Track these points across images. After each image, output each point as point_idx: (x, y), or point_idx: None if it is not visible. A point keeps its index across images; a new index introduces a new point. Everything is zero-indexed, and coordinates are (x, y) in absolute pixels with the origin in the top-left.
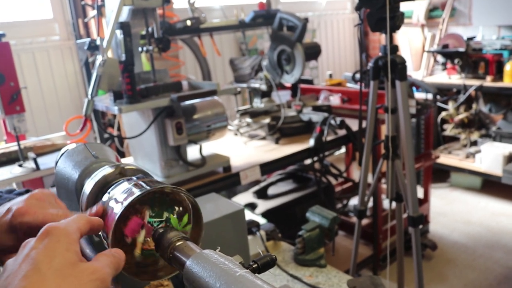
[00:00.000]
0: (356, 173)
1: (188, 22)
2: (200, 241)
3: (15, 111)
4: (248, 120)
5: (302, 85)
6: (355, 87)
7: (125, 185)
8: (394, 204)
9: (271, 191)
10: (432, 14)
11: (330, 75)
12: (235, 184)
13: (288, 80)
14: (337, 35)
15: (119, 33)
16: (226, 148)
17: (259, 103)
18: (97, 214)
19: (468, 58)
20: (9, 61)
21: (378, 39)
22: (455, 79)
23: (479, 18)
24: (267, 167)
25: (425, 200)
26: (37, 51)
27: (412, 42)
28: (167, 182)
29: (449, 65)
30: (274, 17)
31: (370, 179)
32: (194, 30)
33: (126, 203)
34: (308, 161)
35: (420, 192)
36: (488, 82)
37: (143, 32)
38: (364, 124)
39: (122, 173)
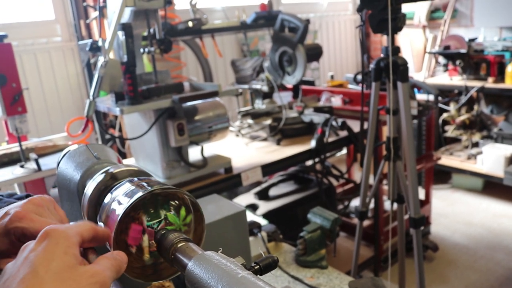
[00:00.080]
0: (357, 175)
1: (190, 24)
2: (202, 242)
3: (17, 112)
4: (250, 121)
5: (304, 86)
6: (357, 88)
7: (127, 186)
8: (395, 205)
9: (272, 192)
10: (433, 15)
11: (332, 76)
12: (237, 185)
13: (290, 81)
14: (339, 36)
15: (121, 34)
16: (228, 149)
17: (260, 104)
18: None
19: (470, 60)
20: (11, 62)
21: (380, 40)
22: (457, 80)
23: (481, 19)
24: (268, 168)
25: (426, 201)
26: (39, 52)
27: (413, 43)
28: (168, 183)
29: (450, 67)
30: (275, 19)
31: (371, 180)
32: (195, 31)
33: (128, 203)
34: (309, 162)
35: (421, 194)
36: (490, 83)
37: (145, 33)
38: (365, 126)
39: (128, 174)
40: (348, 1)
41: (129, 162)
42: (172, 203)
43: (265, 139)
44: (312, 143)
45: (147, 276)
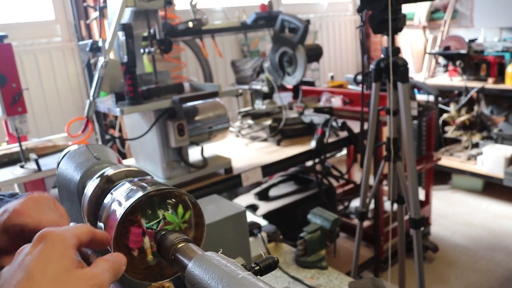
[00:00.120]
0: (357, 175)
1: (190, 24)
2: (203, 243)
3: (17, 112)
4: (250, 121)
5: (304, 87)
6: (357, 89)
7: (127, 186)
8: (395, 206)
9: (272, 192)
10: (433, 16)
11: (332, 77)
12: (237, 185)
13: (290, 81)
14: (339, 37)
15: (121, 35)
16: (228, 149)
17: (260, 105)
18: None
19: (470, 60)
20: (11, 63)
21: (380, 41)
22: (457, 81)
23: (481, 20)
24: (268, 169)
25: (426, 202)
26: (39, 53)
27: (413, 44)
28: (169, 184)
29: (450, 67)
30: (276, 19)
31: (371, 181)
32: (196, 31)
33: (124, 208)
34: (309, 163)
35: (421, 194)
36: (490, 84)
37: (145, 34)
38: (365, 126)
39: (125, 175)
40: (348, 2)
41: (129, 162)
42: (169, 201)
43: (265, 140)
44: (312, 144)
45: (154, 276)
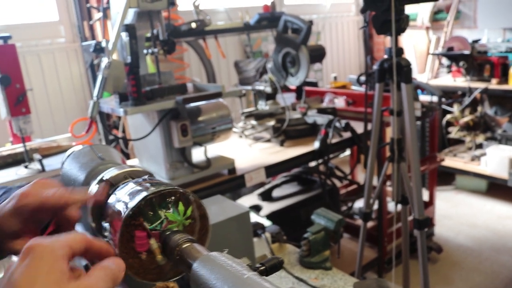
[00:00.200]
0: (360, 176)
1: (193, 25)
2: (207, 243)
3: (21, 113)
4: (253, 122)
5: (307, 88)
6: (360, 89)
7: (131, 186)
8: (399, 206)
9: (275, 193)
10: (437, 16)
11: (335, 78)
12: (240, 186)
13: (293, 82)
14: (342, 37)
15: (124, 36)
16: (231, 150)
17: (263, 106)
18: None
19: (473, 61)
20: (15, 63)
21: (383, 41)
22: (460, 81)
23: (484, 20)
24: (272, 169)
25: (430, 203)
26: (43, 53)
27: (417, 44)
28: (172, 184)
29: (454, 68)
30: (278, 20)
31: (375, 181)
32: (199, 32)
33: (133, 203)
34: (313, 164)
35: (425, 195)
36: (494, 84)
37: (148, 35)
38: (369, 127)
39: (129, 175)
40: (351, 3)
41: (133, 162)
42: (169, 199)
43: (268, 140)
44: (316, 144)
45: (165, 274)
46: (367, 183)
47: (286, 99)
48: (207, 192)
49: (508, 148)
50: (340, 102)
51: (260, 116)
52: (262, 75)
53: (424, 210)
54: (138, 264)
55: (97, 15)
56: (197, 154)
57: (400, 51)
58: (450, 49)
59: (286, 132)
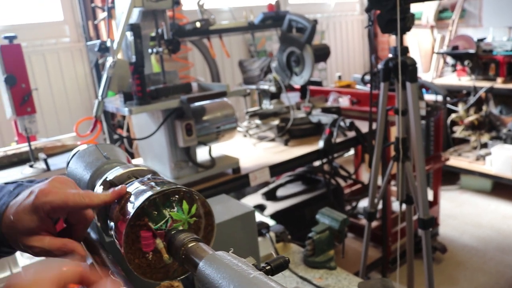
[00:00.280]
0: (365, 175)
1: (198, 24)
2: (213, 240)
3: (26, 112)
4: (257, 121)
5: (311, 87)
6: (364, 88)
7: (135, 186)
8: (404, 206)
9: (280, 192)
10: (441, 15)
11: (339, 77)
12: (244, 185)
13: (297, 81)
14: (346, 36)
15: (129, 35)
16: (236, 149)
17: (268, 105)
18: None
19: (478, 60)
20: (21, 63)
21: (387, 40)
22: (465, 80)
23: (489, 19)
24: (276, 169)
25: (434, 202)
26: (48, 53)
27: (421, 43)
28: (177, 183)
29: (459, 67)
30: (283, 19)
31: (379, 181)
32: (203, 31)
33: (137, 204)
34: (317, 163)
35: (429, 195)
36: (499, 83)
37: (153, 34)
38: (374, 126)
39: (134, 174)
40: (355, 2)
41: (138, 162)
42: (172, 198)
43: (273, 140)
44: (320, 144)
45: (173, 273)
46: (371, 182)
47: (290, 98)
48: (211, 192)
49: None
50: (344, 101)
51: (264, 116)
52: (266, 75)
53: (429, 210)
54: (145, 264)
55: (101, 14)
56: (202, 154)
57: (405, 50)
58: (455, 48)
59: (290, 132)
